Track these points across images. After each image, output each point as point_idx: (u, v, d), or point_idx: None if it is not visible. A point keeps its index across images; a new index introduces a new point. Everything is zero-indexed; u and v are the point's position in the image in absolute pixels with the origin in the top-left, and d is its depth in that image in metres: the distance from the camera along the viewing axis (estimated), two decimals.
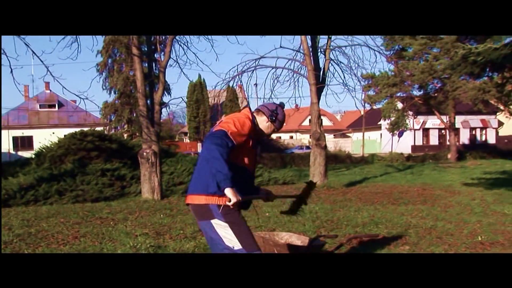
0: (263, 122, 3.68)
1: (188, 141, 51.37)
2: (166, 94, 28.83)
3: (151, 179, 11.87)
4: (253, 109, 3.82)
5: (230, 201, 3.22)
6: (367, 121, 50.39)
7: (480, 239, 7.34)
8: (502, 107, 30.87)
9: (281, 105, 3.79)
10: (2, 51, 9.71)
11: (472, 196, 12.19)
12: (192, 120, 48.32)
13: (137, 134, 26.55)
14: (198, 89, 46.54)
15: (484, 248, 6.81)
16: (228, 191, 3.18)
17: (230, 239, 3.41)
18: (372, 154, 33.32)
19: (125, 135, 28.03)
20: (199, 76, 47.35)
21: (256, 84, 27.69)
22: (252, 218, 8.34)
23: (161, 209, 10.29)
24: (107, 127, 30.47)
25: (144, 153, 11.90)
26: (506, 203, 10.81)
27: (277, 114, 3.68)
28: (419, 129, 46.23)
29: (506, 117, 31.96)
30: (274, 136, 58.57)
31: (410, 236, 7.50)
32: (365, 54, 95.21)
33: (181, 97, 47.90)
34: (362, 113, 47.49)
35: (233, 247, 3.41)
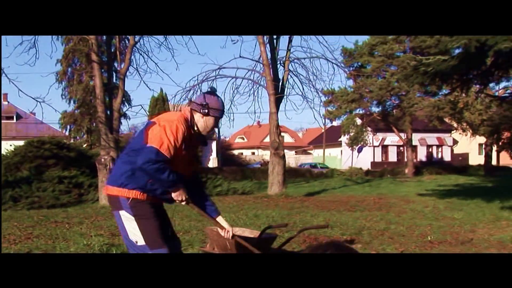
0: (199, 120, 3.38)
1: None
2: (126, 104, 28.65)
3: None
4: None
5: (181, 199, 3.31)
6: (328, 138, 51.09)
7: (429, 238, 7.60)
8: (455, 124, 31.91)
9: (210, 92, 3.48)
10: None
11: (425, 204, 12.55)
12: None
13: (97, 144, 26.21)
14: (160, 103, 46.24)
15: (433, 246, 7.05)
16: (174, 193, 3.27)
17: (134, 233, 3.21)
18: (332, 169, 33.79)
19: (85, 145, 27.63)
20: (161, 90, 47.08)
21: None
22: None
23: None
24: (67, 138, 29.99)
25: (102, 160, 11.82)
26: (456, 210, 11.19)
27: (207, 104, 3.34)
28: (378, 146, 47.11)
29: (460, 133, 33.01)
30: (236, 152, 58.71)
31: (363, 236, 7.70)
32: (324, 66, 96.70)
33: (141, 105, 47.43)
34: (323, 129, 48.19)
35: (136, 242, 3.21)
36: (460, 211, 10.99)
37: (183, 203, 3.34)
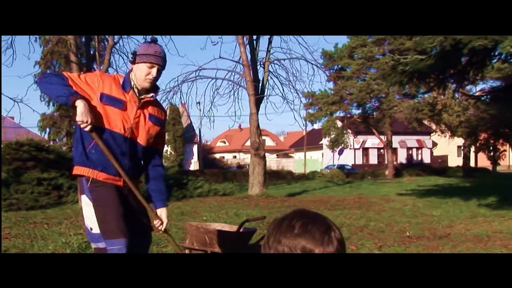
0: (133, 72, 3.04)
1: None
2: None
3: None
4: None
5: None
6: (309, 141, 51.29)
7: (408, 234, 7.71)
8: (434, 126, 32.31)
9: (145, 41, 3.20)
10: None
11: (405, 203, 12.69)
12: None
13: None
14: None
15: (411, 241, 7.14)
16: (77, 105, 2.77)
17: (90, 219, 2.95)
18: (313, 171, 33.94)
19: (64, 148, 27.33)
20: None
21: (198, 103, 27.73)
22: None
23: None
24: (47, 142, 29.58)
25: None
26: (434, 208, 11.36)
27: (135, 52, 3.04)
28: (359, 149, 47.49)
29: (438, 135, 33.42)
30: (217, 155, 58.65)
31: (342, 232, 7.76)
32: (303, 67, 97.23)
33: None
34: (304, 133, 48.38)
35: (91, 229, 2.96)
36: (439, 208, 11.15)
37: (86, 128, 2.80)
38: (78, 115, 2.74)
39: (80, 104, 2.75)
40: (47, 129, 33.35)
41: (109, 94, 2.96)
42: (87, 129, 2.79)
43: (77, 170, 3.02)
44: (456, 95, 25.59)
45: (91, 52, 14.11)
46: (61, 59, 25.29)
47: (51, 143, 29.68)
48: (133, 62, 3.00)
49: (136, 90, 3.05)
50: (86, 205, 2.98)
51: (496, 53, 10.38)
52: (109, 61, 12.63)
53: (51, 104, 30.38)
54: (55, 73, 3.02)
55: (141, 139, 3.10)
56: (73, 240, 6.63)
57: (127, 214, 3.01)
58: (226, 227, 5.73)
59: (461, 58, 9.60)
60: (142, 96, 3.07)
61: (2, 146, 14.76)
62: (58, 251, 5.97)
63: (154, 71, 2.98)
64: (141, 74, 2.98)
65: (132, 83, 3.04)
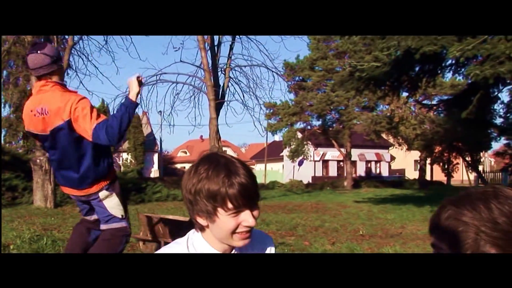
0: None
1: None
2: None
3: (44, 186, 11.48)
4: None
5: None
6: (270, 153, 51.58)
7: (361, 233, 7.91)
8: (392, 139, 33.06)
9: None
10: None
11: (361, 209, 12.95)
12: None
13: (33, 149, 25.47)
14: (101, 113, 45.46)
15: (364, 239, 7.34)
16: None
17: (119, 208, 3.47)
18: (273, 181, 34.11)
19: (21, 150, 26.66)
20: (102, 100, 46.32)
21: (160, 111, 27.56)
22: None
23: (53, 215, 9.99)
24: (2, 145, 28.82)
25: (38, 160, 11.53)
26: (389, 212, 11.65)
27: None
28: (319, 161, 48.00)
29: (396, 148, 34.19)
30: (178, 166, 58.30)
31: (297, 231, 7.90)
32: (264, 74, 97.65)
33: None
34: (265, 144, 48.65)
35: (122, 216, 3.49)
36: (393, 213, 11.45)
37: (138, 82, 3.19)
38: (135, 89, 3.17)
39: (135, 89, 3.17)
40: (3, 131, 32.57)
41: None
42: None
43: (98, 187, 3.36)
44: (413, 108, 26.34)
45: None
46: (19, 60, 24.76)
47: (7, 145, 29.00)
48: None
49: None
50: (107, 197, 3.39)
51: (447, 64, 10.82)
52: (68, 61, 12.49)
53: (7, 105, 29.66)
54: (105, 121, 3.14)
55: None
56: (25, 234, 6.53)
57: None
58: (181, 218, 5.78)
59: (414, 65, 9.93)
60: None
61: None
62: (9, 244, 5.87)
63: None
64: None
65: None
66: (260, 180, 45.58)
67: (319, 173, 48.56)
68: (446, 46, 7.35)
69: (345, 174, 37.68)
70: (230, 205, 1.37)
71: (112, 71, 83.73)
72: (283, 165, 52.00)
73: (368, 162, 50.61)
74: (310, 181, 43.08)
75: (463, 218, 1.15)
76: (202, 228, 1.52)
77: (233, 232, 1.42)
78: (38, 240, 5.93)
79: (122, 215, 3.43)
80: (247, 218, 1.42)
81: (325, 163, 49.27)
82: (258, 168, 58.15)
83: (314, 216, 10.48)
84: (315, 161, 46.98)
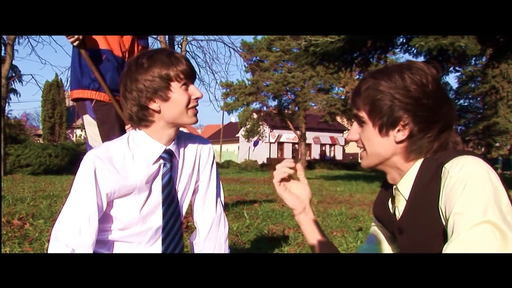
0: None
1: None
2: (18, 82, 27.31)
3: None
4: None
5: None
6: (226, 134, 51.64)
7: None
8: (346, 123, 33.65)
9: None
10: None
11: (313, 183, 13.20)
12: (47, 121, 45.23)
13: None
14: (54, 88, 44.11)
15: (312, 203, 7.51)
16: None
17: (95, 139, 3.04)
18: (228, 161, 34.28)
19: None
20: (56, 75, 45.01)
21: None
22: None
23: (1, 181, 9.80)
24: None
25: None
26: (340, 186, 11.95)
27: None
28: (274, 142, 48.39)
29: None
30: None
31: (248, 197, 8.03)
32: (221, 49, 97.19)
33: (31, 74, 44.44)
34: (221, 125, 48.65)
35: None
36: (343, 186, 11.76)
37: (75, 43, 2.86)
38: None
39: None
40: None
41: None
42: (75, 44, 2.83)
43: (79, 93, 3.06)
44: None
45: None
46: None
47: None
48: None
49: None
50: (90, 124, 3.05)
51: (399, 42, 11.10)
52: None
53: None
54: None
55: None
56: None
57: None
58: None
59: (366, 41, 10.15)
60: None
61: None
62: None
63: None
64: None
65: None
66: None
67: (274, 155, 48.95)
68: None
69: (299, 156, 38.20)
70: (181, 76, 1.54)
71: (65, 40, 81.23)
72: (238, 147, 52.17)
73: (322, 145, 51.31)
74: (265, 162, 43.46)
75: (380, 87, 1.25)
76: (148, 123, 1.61)
77: (187, 107, 1.59)
78: None
79: None
80: (194, 91, 1.60)
81: (280, 145, 49.69)
82: (213, 149, 58.25)
83: (265, 187, 10.65)
84: (270, 143, 47.32)
